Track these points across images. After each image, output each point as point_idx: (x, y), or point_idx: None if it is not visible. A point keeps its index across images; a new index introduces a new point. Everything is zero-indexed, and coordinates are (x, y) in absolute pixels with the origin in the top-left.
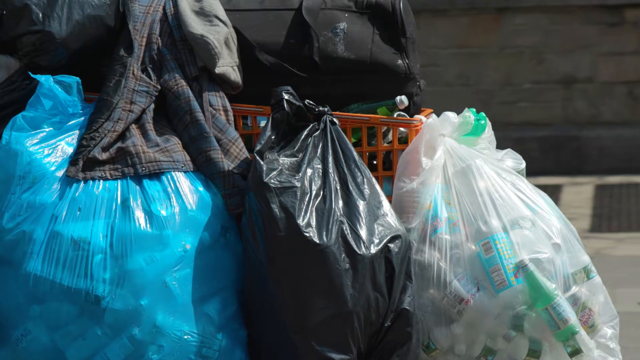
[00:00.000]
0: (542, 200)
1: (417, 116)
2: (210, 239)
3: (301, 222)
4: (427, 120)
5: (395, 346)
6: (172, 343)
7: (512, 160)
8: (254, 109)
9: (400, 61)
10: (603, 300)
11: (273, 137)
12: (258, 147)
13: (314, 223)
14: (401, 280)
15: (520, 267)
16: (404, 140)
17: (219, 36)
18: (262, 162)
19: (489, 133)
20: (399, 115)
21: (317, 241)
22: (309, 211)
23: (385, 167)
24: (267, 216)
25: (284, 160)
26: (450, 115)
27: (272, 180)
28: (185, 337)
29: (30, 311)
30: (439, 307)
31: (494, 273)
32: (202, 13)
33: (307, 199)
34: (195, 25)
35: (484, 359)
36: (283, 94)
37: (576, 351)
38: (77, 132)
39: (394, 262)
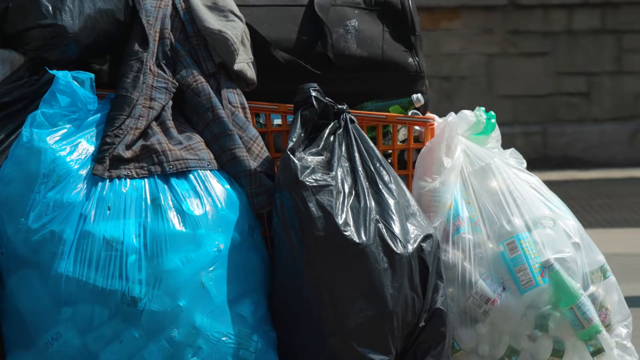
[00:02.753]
0: (556, 199)
1: (429, 114)
2: (239, 238)
3: (339, 221)
4: (447, 119)
5: (430, 346)
6: (211, 345)
7: (515, 160)
8: (267, 106)
9: (410, 59)
10: (617, 300)
11: (302, 134)
12: (290, 145)
13: (351, 222)
14: (433, 279)
15: (546, 267)
16: (416, 139)
17: (236, 32)
18: (295, 160)
19: (497, 132)
20: (413, 113)
21: (357, 240)
22: (345, 210)
23: (398, 166)
24: (304, 215)
25: (312, 159)
26: (468, 113)
27: (308, 179)
28: (224, 338)
29: (60, 314)
30: (463, 307)
31: (519, 273)
32: (216, 8)
33: (341, 197)
34: (211, 20)
35: (507, 359)
36: (311, 91)
37: (598, 350)
38: (95, 129)
39: (427, 262)
